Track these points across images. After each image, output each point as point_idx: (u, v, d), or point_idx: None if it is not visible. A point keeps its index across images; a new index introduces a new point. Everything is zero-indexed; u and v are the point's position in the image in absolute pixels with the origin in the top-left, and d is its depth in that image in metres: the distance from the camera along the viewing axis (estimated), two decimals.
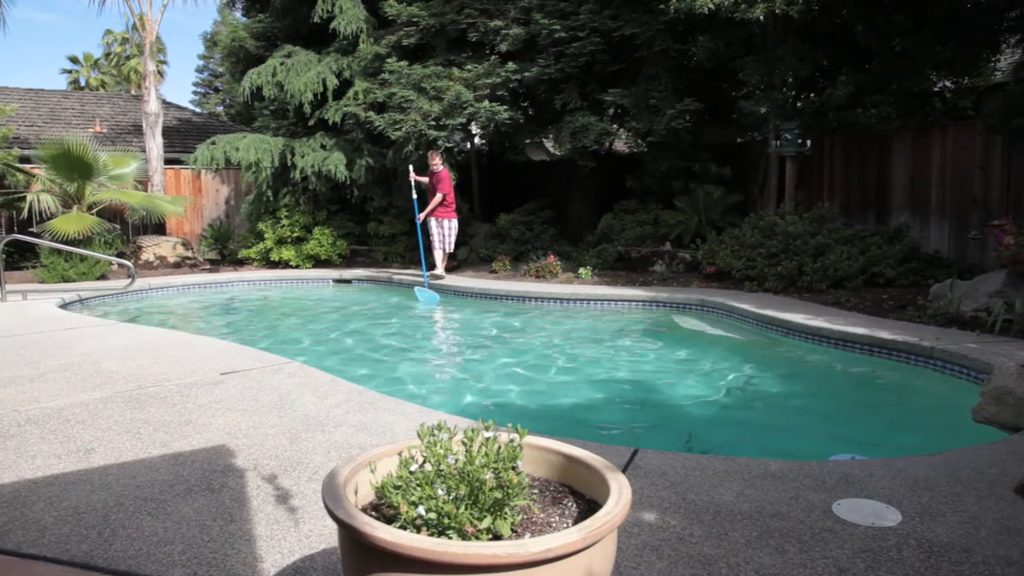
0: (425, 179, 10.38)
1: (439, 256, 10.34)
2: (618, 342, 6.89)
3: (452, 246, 10.50)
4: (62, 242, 10.11)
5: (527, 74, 10.61)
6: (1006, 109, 7.74)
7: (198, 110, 27.38)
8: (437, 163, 10.13)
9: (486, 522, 1.57)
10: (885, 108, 8.91)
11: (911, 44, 8.65)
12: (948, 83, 9.75)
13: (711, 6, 8.37)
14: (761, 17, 8.31)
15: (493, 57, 10.93)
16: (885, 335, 5.65)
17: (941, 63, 8.99)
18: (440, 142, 10.93)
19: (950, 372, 5.06)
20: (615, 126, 11.53)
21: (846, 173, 10.24)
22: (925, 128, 9.27)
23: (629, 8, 10.35)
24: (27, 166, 12.20)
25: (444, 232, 10.32)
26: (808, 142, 9.53)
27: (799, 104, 10.07)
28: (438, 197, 10.09)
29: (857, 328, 5.93)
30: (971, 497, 2.68)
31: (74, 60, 35.54)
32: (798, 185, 9.91)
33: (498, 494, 1.60)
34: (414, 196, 10.27)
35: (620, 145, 14.00)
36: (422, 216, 10.19)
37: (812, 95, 10.36)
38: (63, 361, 4.92)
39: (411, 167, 10.47)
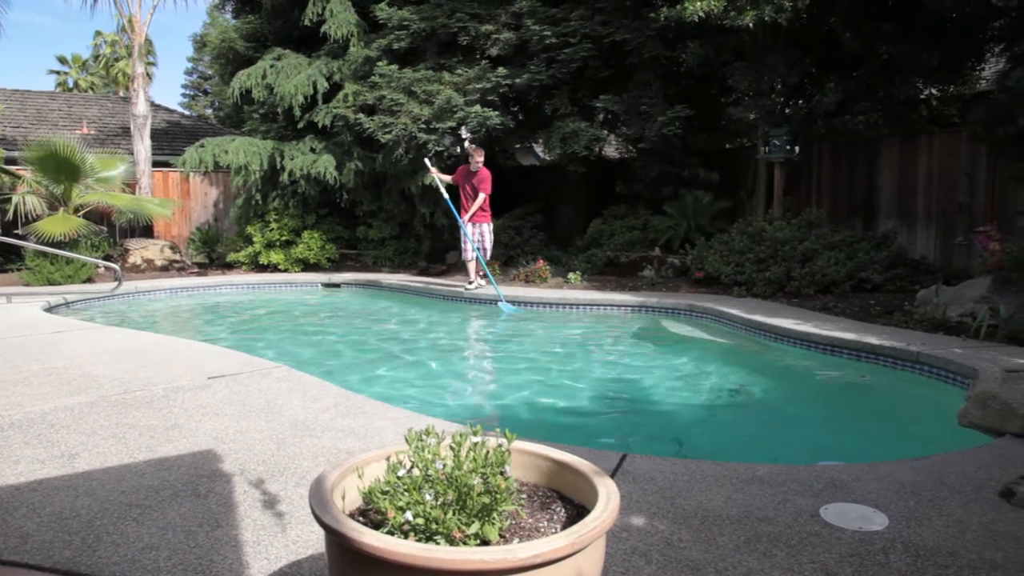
0: (447, 176, 9.67)
1: (473, 266, 9.53)
2: (607, 347, 6.90)
3: (489, 252, 9.70)
4: (48, 244, 10.02)
5: (518, 80, 10.62)
6: (991, 117, 7.81)
7: (187, 112, 27.26)
8: (479, 160, 9.31)
9: (474, 528, 1.56)
10: (873, 115, 8.99)
11: (898, 52, 8.73)
12: (934, 91, 9.85)
13: (701, 14, 8.41)
14: (751, 24, 8.36)
15: (484, 62, 10.95)
16: (872, 340, 5.68)
17: (928, 71, 9.08)
18: (430, 145, 10.92)
19: (936, 377, 5.09)
20: (605, 132, 11.57)
21: (834, 179, 10.31)
22: (912, 135, 9.36)
23: (620, 15, 10.40)
24: (13, 167, 12.10)
25: (482, 238, 9.48)
26: (796, 148, 9.59)
27: (788, 111, 10.14)
28: (481, 198, 9.25)
29: (845, 333, 5.97)
30: (956, 501, 2.69)
31: (62, 61, 35.32)
32: (786, 191, 9.96)
33: (486, 499, 1.60)
34: (445, 195, 9.51)
35: (610, 151, 14.04)
36: (466, 218, 9.32)
37: (801, 102, 10.43)
38: (48, 365, 4.88)
39: (428, 161, 9.85)
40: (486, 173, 9.35)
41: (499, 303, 8.74)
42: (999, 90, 8.27)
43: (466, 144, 13.08)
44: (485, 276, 9.55)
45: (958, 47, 8.84)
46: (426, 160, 9.98)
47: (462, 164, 9.77)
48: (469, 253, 9.49)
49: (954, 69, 9.31)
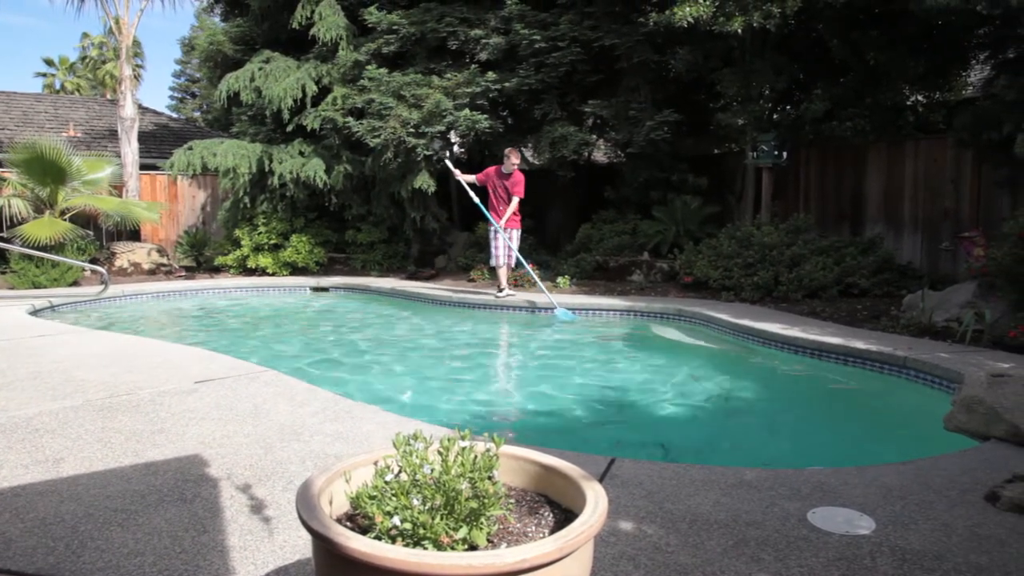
0: (471, 177, 9.14)
1: (504, 272, 8.99)
2: (596, 351, 6.90)
3: (514, 260, 9.08)
4: (33, 248, 9.93)
5: (507, 84, 10.63)
6: (976, 124, 7.89)
7: (175, 115, 27.13)
8: (515, 162, 8.85)
9: (462, 532, 1.56)
10: (860, 121, 9.06)
11: (885, 59, 8.81)
12: (920, 97, 9.94)
13: (690, 19, 8.46)
14: (739, 30, 8.42)
15: (473, 66, 10.96)
16: (859, 345, 5.71)
17: (914, 78, 9.17)
18: (419, 149, 10.91)
19: (923, 381, 5.13)
20: (594, 136, 11.60)
21: (821, 185, 10.37)
22: (898, 141, 9.43)
23: (609, 20, 10.44)
24: None
25: (513, 244, 8.99)
26: (784, 154, 9.65)
27: (776, 116, 10.20)
28: (515, 202, 8.81)
29: (832, 338, 6.00)
30: (943, 505, 2.71)
31: (49, 63, 35.10)
32: (774, 196, 10.02)
33: (474, 504, 1.59)
34: (475, 199, 9.01)
35: (599, 155, 14.08)
36: (503, 222, 8.82)
37: (789, 108, 10.51)
38: (33, 369, 4.83)
39: (449, 162, 9.39)
40: (520, 176, 8.90)
41: (555, 310, 8.31)
42: (984, 97, 8.36)
43: (455, 148, 13.08)
44: (534, 284, 9.14)
45: (944, 54, 8.94)
46: (447, 161, 9.59)
47: (492, 165, 9.36)
48: (500, 259, 8.93)
49: (940, 76, 9.40)
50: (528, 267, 9.13)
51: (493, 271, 10.08)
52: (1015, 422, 3.43)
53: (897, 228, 9.48)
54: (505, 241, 8.91)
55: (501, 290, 9.02)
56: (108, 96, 26.14)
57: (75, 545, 2.33)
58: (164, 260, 12.68)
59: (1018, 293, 5.89)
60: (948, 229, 8.89)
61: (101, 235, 13.05)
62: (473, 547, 1.56)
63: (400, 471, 1.70)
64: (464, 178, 9.17)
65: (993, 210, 8.47)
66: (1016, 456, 3.24)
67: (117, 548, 2.31)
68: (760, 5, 8.15)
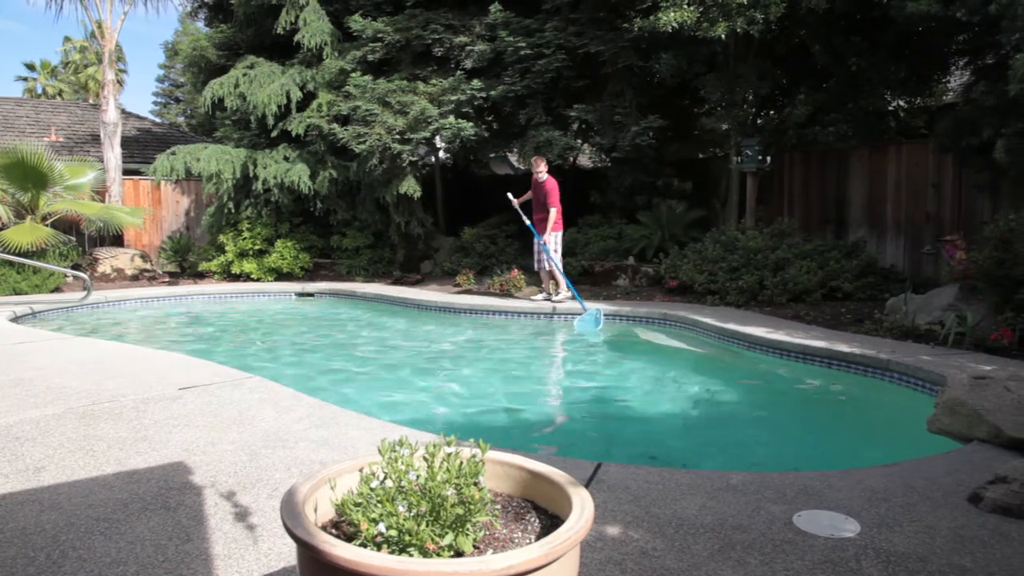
0: (525, 196, 9.30)
1: (550, 278, 9.21)
2: (581, 356, 6.91)
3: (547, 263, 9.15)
4: (14, 254, 9.82)
5: (493, 92, 10.64)
6: (956, 128, 7.99)
7: (158, 120, 26.94)
8: (541, 170, 8.95)
9: (448, 539, 1.55)
10: (842, 126, 9.15)
11: (867, 64, 8.90)
12: (902, 103, 10.05)
13: (674, 25, 8.50)
14: (723, 36, 8.47)
15: (459, 72, 10.96)
16: (843, 348, 5.76)
17: (895, 83, 9.28)
18: (404, 155, 10.88)
19: (906, 384, 5.17)
20: (579, 141, 11.62)
21: (805, 189, 10.45)
22: (880, 146, 9.53)
23: (594, 26, 10.48)
24: None
25: (559, 247, 9.15)
26: (768, 159, 9.72)
27: (759, 121, 10.27)
28: (553, 213, 8.91)
29: (816, 341, 6.04)
30: (926, 507, 2.73)
31: (30, 67, 34.72)
32: (759, 201, 10.08)
33: (460, 510, 1.59)
34: (527, 221, 9.26)
35: (584, 160, 14.11)
36: (548, 234, 8.94)
37: (772, 113, 10.58)
38: (13, 376, 4.77)
39: (510, 194, 9.36)
40: (553, 183, 8.98)
41: (577, 319, 8.22)
42: (964, 102, 8.47)
43: (440, 154, 13.07)
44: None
45: (924, 60, 9.05)
46: (508, 195, 9.46)
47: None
48: (553, 265, 9.04)
49: (921, 81, 9.52)
50: (570, 284, 9.15)
51: (479, 276, 10.25)
52: (997, 424, 3.46)
53: (880, 232, 9.57)
54: (539, 247, 9.11)
55: (556, 296, 9.11)
56: (90, 100, 25.92)
57: (56, 555, 2.30)
58: (147, 266, 12.58)
59: (999, 296, 5.96)
60: (930, 233, 8.98)
61: (83, 241, 12.93)
62: (459, 553, 1.56)
63: (385, 478, 1.69)
64: (521, 201, 9.31)
65: (974, 214, 8.56)
66: (998, 457, 3.27)
67: (99, 558, 2.28)
68: (744, 11, 8.21)
